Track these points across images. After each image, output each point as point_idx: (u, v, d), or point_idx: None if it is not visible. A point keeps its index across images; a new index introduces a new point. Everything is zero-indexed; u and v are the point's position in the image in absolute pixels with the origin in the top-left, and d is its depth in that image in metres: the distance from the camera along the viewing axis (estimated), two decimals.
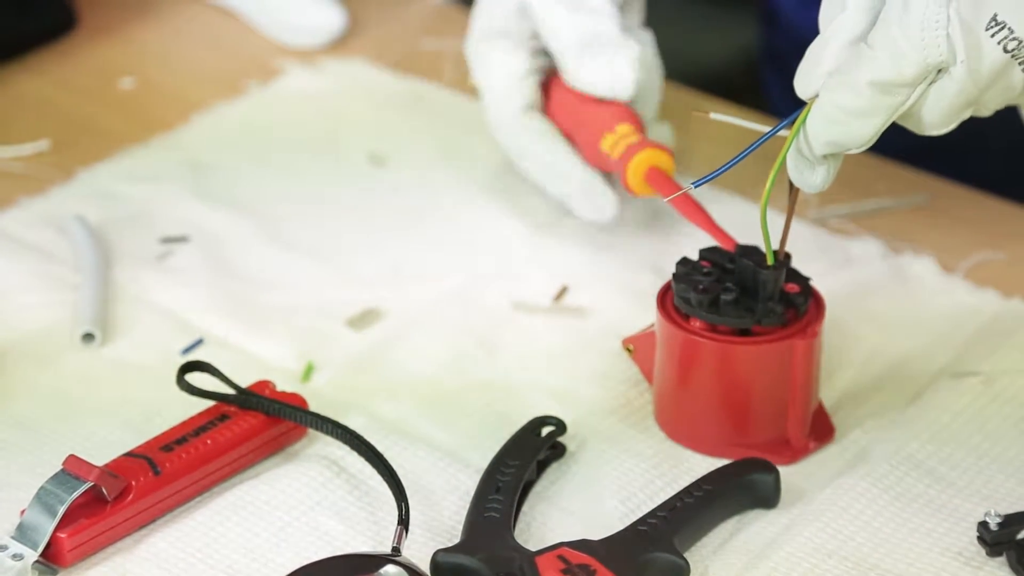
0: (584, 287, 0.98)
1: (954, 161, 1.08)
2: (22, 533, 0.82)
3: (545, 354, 0.94)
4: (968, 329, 0.95)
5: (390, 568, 0.80)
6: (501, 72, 0.99)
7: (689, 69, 1.19)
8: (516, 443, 0.86)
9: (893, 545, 0.84)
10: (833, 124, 0.80)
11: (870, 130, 0.80)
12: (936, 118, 0.80)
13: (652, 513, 0.83)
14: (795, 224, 1.01)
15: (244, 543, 0.84)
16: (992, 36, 0.77)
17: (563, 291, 0.98)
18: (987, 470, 0.87)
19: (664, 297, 0.87)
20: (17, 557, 0.81)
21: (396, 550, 0.82)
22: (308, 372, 0.93)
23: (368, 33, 1.17)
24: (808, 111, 0.81)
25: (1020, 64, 0.78)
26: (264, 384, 0.89)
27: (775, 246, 0.85)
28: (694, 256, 0.87)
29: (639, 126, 0.97)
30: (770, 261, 0.85)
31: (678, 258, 0.87)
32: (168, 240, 1.01)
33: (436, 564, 0.81)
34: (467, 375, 0.93)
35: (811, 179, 0.83)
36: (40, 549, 0.81)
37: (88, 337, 0.94)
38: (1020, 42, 0.77)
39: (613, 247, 1.00)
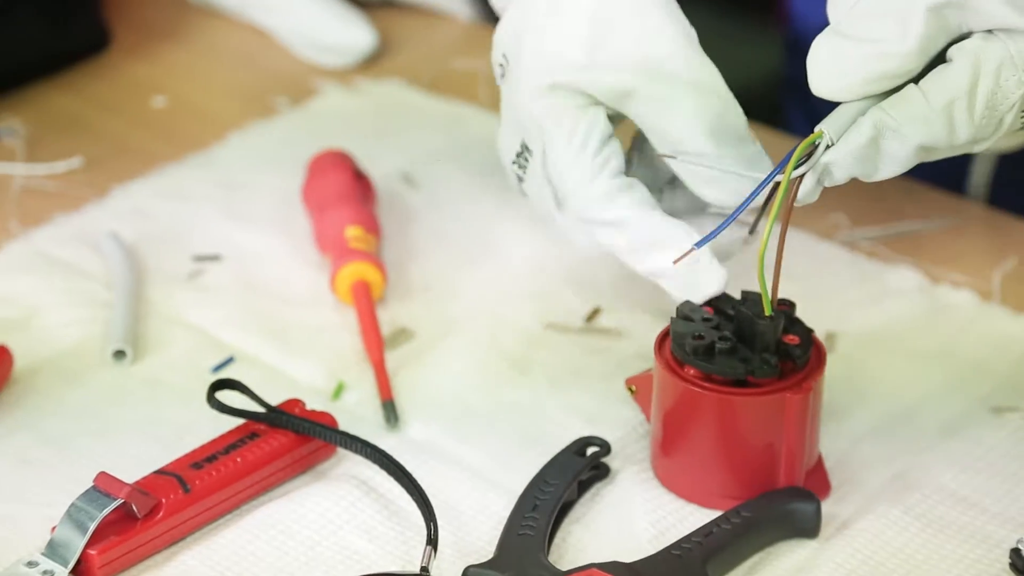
0: (617, 308, 0.98)
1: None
2: (53, 550, 0.82)
3: (577, 375, 0.94)
4: (1009, 358, 0.94)
5: None
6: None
7: None
8: (557, 462, 0.86)
9: (925, 572, 0.84)
10: (864, 162, 0.81)
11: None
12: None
13: (687, 538, 0.83)
14: (831, 248, 1.02)
15: (273, 562, 0.84)
16: None
17: (596, 312, 0.98)
18: (1022, 497, 0.87)
19: (663, 342, 0.86)
20: (48, 574, 0.81)
21: (425, 570, 0.82)
22: (338, 391, 0.93)
23: (400, 52, 1.17)
24: (797, 157, 0.80)
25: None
26: (294, 403, 0.89)
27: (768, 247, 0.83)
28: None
29: (372, 230, 0.99)
30: (768, 311, 0.83)
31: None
32: (200, 258, 1.02)
33: None
34: (498, 395, 0.93)
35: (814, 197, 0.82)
36: (70, 566, 0.82)
37: (119, 354, 0.95)
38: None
39: None
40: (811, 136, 0.81)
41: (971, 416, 0.92)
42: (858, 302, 0.98)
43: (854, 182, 0.83)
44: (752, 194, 0.81)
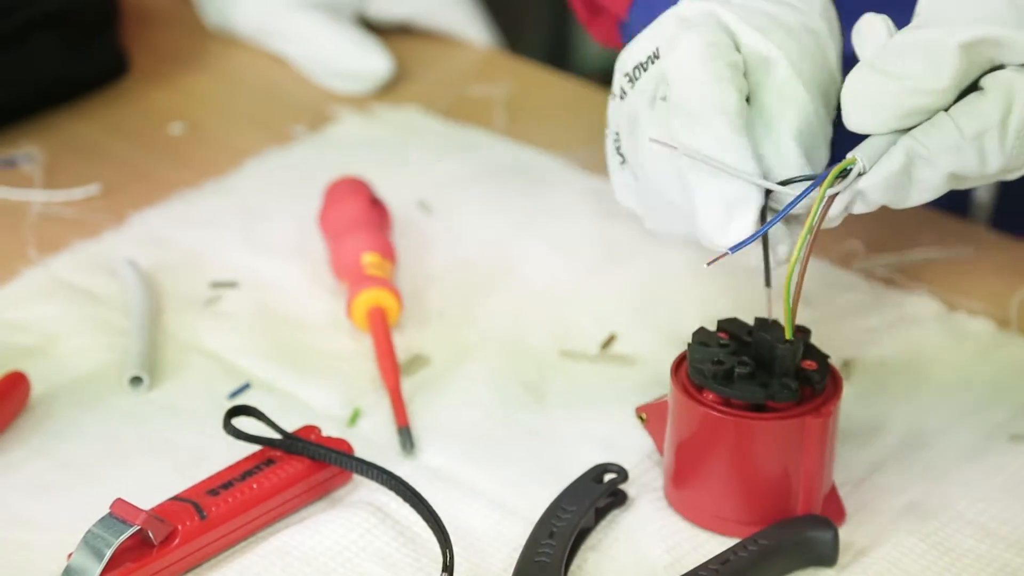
0: (632, 335, 0.98)
1: (997, 210, 1.08)
2: None
3: (592, 402, 0.94)
4: None
5: None
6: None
7: None
8: (574, 489, 0.86)
9: None
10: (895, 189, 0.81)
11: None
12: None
13: (704, 565, 0.82)
14: (848, 275, 1.02)
15: None
16: None
17: (611, 339, 0.98)
18: None
19: (679, 367, 0.86)
20: None
21: None
22: (354, 417, 0.93)
23: (417, 79, 1.18)
24: (830, 181, 0.80)
25: None
26: (310, 429, 0.89)
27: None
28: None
29: (388, 256, 0.99)
30: (788, 335, 0.83)
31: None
32: (217, 285, 1.02)
33: None
34: (513, 422, 0.93)
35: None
36: None
37: (136, 381, 0.95)
38: None
39: (662, 296, 1.00)
40: (845, 161, 0.81)
41: (989, 444, 0.91)
42: (875, 329, 0.98)
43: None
44: (787, 207, 0.81)
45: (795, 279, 0.81)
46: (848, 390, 0.94)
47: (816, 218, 0.80)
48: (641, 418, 0.89)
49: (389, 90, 1.17)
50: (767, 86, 0.83)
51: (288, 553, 0.85)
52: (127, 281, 1.01)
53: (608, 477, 0.87)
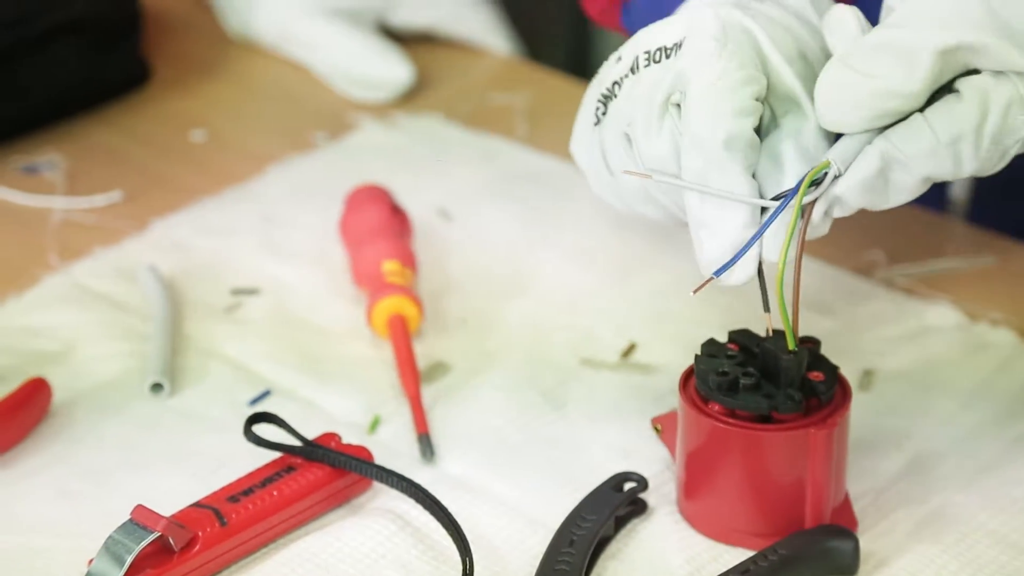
0: (652, 344, 0.98)
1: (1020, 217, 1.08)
2: None
3: (612, 411, 0.94)
4: None
5: None
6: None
7: None
8: (594, 498, 0.86)
9: None
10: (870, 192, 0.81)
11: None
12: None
13: (723, 575, 0.82)
14: (869, 285, 1.01)
15: None
16: None
17: (631, 347, 0.98)
18: None
19: (688, 380, 0.86)
20: None
21: None
22: (374, 425, 0.93)
23: (438, 87, 1.18)
24: (806, 186, 0.80)
25: None
26: (330, 436, 0.89)
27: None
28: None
29: (409, 264, 0.99)
30: (791, 346, 0.83)
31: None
32: (238, 292, 1.02)
33: None
34: (533, 430, 0.93)
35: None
36: None
37: (157, 387, 0.95)
38: None
39: (682, 304, 1.00)
40: (819, 166, 0.81)
41: (1010, 454, 0.91)
42: (896, 339, 0.98)
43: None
44: (767, 223, 0.81)
45: (787, 290, 0.81)
46: (869, 400, 0.94)
47: (796, 224, 0.80)
48: (656, 429, 0.89)
49: (410, 98, 1.17)
50: (786, 123, 0.83)
51: (308, 560, 0.85)
52: (148, 287, 1.01)
53: (628, 486, 0.87)
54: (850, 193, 0.81)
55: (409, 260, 1.00)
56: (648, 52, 0.84)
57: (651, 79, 0.84)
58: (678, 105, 0.82)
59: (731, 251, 0.82)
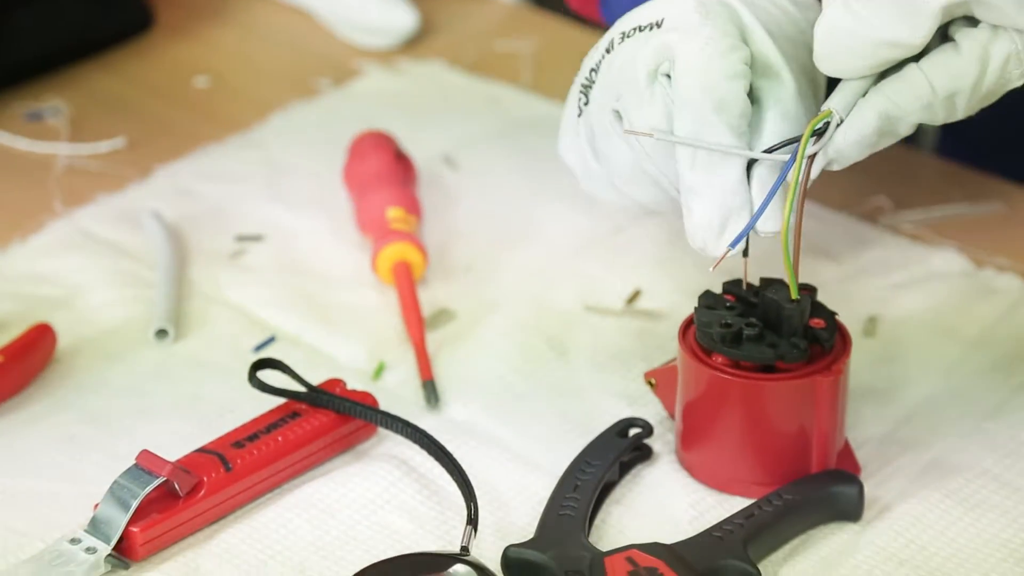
0: (657, 290, 0.98)
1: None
2: (95, 527, 0.82)
3: (617, 357, 0.94)
4: None
5: (459, 567, 0.80)
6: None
7: None
8: (599, 443, 0.86)
9: (967, 555, 0.83)
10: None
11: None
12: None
13: (728, 520, 0.82)
14: (874, 231, 1.01)
15: (314, 540, 0.84)
16: None
17: (636, 294, 0.98)
18: None
19: (686, 331, 0.86)
20: (90, 551, 0.82)
21: (465, 550, 0.82)
22: (379, 371, 0.93)
23: (442, 34, 1.17)
24: (808, 134, 0.80)
25: None
26: (335, 382, 0.90)
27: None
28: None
29: (413, 211, 0.98)
30: (794, 295, 0.83)
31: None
32: (243, 238, 1.02)
33: (506, 558, 0.81)
34: (538, 377, 0.93)
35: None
36: (113, 543, 0.82)
37: (162, 333, 0.95)
38: None
39: (686, 250, 0.99)
40: (821, 115, 0.81)
41: (1014, 400, 0.91)
42: (901, 285, 0.98)
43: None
44: (779, 179, 0.81)
45: (791, 238, 0.81)
46: (873, 346, 0.94)
47: (801, 176, 0.80)
48: (650, 383, 0.89)
49: (414, 44, 1.16)
50: (766, 93, 0.83)
51: (313, 505, 0.86)
52: (152, 234, 1.01)
53: (633, 432, 0.87)
54: (850, 149, 0.81)
55: (414, 207, 1.00)
56: (624, 32, 0.85)
57: (629, 50, 0.84)
58: (668, 76, 0.82)
59: (719, 215, 0.82)
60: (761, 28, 0.83)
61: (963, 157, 1.05)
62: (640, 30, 0.84)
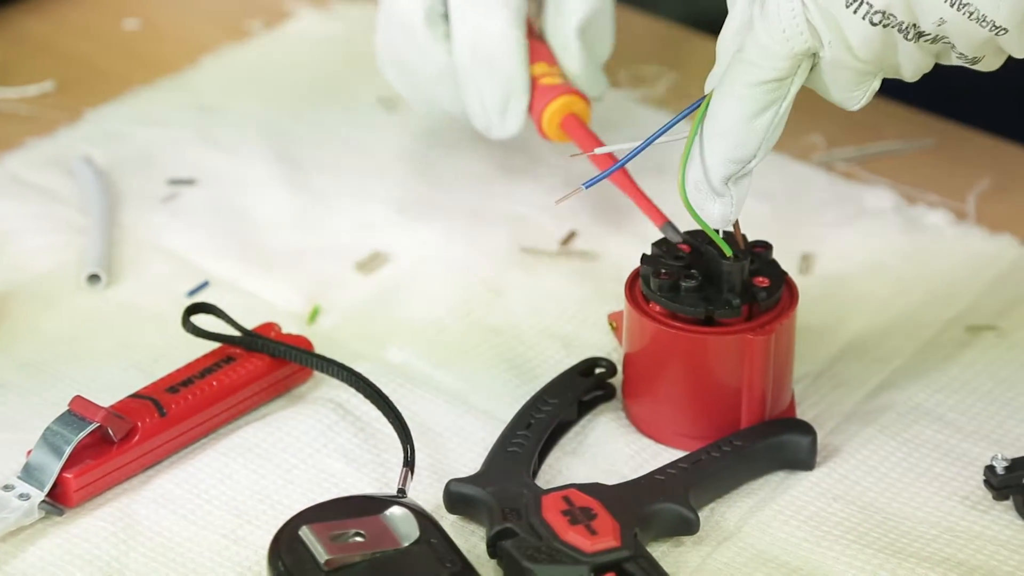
0: (593, 232, 0.98)
1: (962, 104, 1.07)
2: (28, 473, 0.82)
3: (553, 299, 0.94)
4: (984, 277, 0.95)
5: (396, 510, 0.80)
6: None
7: (691, 10, 1.18)
8: (559, 382, 0.86)
9: (899, 490, 0.84)
10: (724, 137, 0.79)
11: (760, 131, 0.79)
12: (839, 96, 0.80)
13: (673, 464, 0.82)
14: (807, 169, 1.01)
15: (251, 484, 0.84)
16: (854, 12, 0.77)
17: (571, 235, 0.98)
18: (997, 415, 0.87)
19: (635, 280, 0.85)
20: (24, 497, 0.81)
21: (402, 492, 0.82)
22: (314, 315, 0.93)
23: None
24: (709, 100, 0.79)
25: (900, 32, 0.77)
26: (269, 326, 0.89)
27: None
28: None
29: (555, 66, 0.95)
30: (728, 253, 0.82)
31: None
32: (175, 182, 1.01)
33: (447, 492, 0.81)
34: (474, 319, 0.93)
35: (712, 210, 0.80)
36: (46, 489, 0.82)
37: (94, 279, 0.94)
38: (883, 12, 0.76)
39: (621, 192, 1.00)
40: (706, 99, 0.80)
41: (946, 335, 0.92)
42: (835, 223, 0.98)
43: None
44: (660, 131, 0.80)
45: (697, 197, 0.80)
46: (807, 284, 0.94)
47: (693, 134, 0.79)
48: (612, 325, 0.89)
49: None
50: None
51: (249, 450, 0.85)
52: (83, 178, 1.00)
53: (598, 371, 0.87)
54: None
55: (553, 60, 0.94)
56: None
57: None
58: None
59: (500, 95, 0.89)
60: None
61: (896, 94, 1.05)
62: None
